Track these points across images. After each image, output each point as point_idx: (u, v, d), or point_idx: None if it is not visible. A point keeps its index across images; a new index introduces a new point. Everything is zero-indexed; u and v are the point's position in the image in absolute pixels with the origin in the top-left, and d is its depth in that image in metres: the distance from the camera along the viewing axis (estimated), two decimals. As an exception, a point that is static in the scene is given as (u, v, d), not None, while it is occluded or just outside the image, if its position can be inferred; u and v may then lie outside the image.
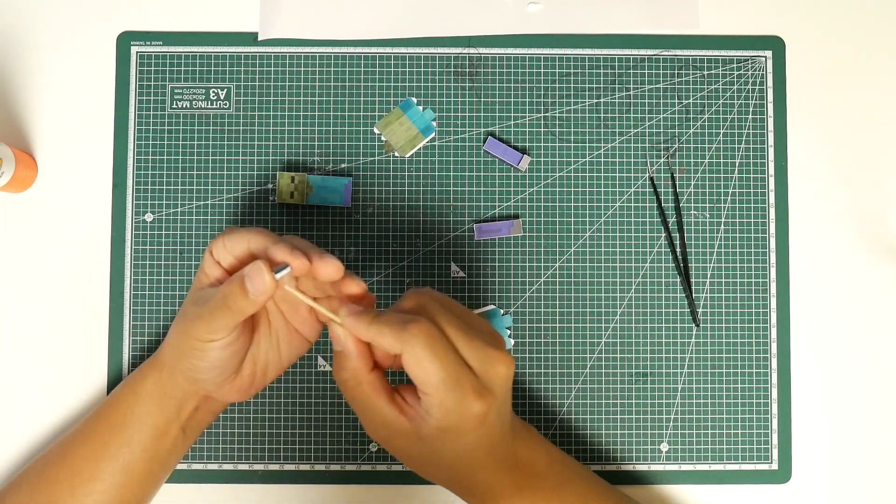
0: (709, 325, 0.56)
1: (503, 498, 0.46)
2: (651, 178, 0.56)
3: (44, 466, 0.50)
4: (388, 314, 0.42)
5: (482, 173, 0.56)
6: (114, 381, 0.55)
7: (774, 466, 0.55)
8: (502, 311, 0.55)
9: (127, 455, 0.48)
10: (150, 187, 0.56)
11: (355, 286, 0.44)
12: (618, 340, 0.56)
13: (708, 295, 0.56)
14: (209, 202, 0.56)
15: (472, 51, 0.57)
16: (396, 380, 0.54)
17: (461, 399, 0.41)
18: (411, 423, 0.43)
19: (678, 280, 0.56)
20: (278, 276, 0.42)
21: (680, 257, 0.56)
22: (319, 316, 0.45)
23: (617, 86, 0.57)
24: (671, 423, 0.55)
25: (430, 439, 0.43)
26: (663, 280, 0.56)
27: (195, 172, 0.56)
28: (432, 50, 0.57)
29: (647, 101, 0.57)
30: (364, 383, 0.43)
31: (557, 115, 0.56)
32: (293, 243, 0.44)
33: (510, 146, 0.56)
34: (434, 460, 0.44)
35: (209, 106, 0.56)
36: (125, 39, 0.56)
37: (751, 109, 0.57)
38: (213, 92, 0.56)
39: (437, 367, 0.40)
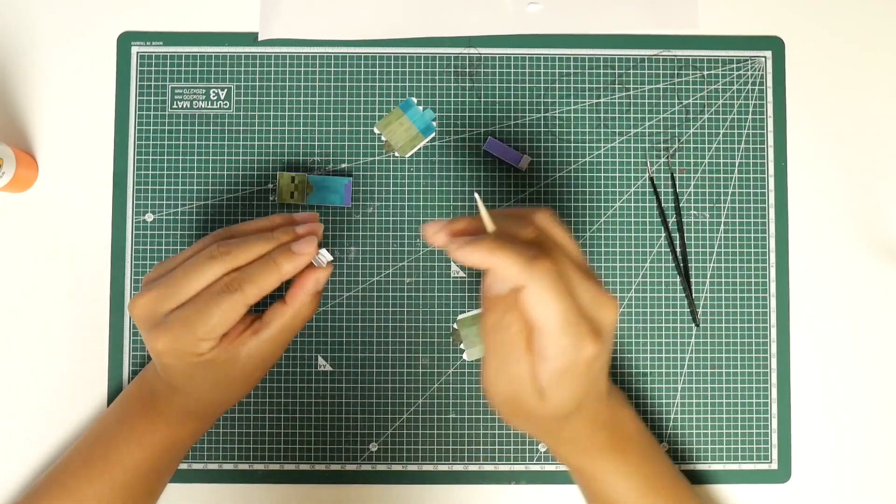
0: (709, 324, 0.56)
1: (595, 452, 0.47)
2: (651, 179, 0.56)
3: (47, 490, 0.50)
4: (513, 243, 0.39)
5: (482, 173, 0.56)
6: (115, 381, 0.55)
7: (774, 466, 0.55)
8: None
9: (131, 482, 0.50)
10: (150, 187, 0.56)
11: (319, 229, 0.46)
12: (618, 340, 0.56)
13: (708, 295, 0.56)
14: (209, 202, 0.56)
15: (472, 51, 0.57)
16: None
17: (577, 341, 0.39)
18: (532, 366, 0.40)
19: (678, 280, 0.56)
20: (318, 264, 0.45)
21: (680, 257, 0.56)
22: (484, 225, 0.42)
23: (617, 86, 0.57)
24: (671, 423, 0.55)
25: (544, 386, 0.41)
26: (663, 280, 0.56)
27: (195, 172, 0.56)
28: (432, 50, 0.57)
29: (647, 101, 0.57)
30: (514, 323, 0.40)
31: (557, 115, 0.56)
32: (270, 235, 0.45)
33: (510, 146, 0.56)
34: (544, 413, 0.42)
35: (209, 106, 0.56)
36: (125, 39, 0.57)
37: (751, 109, 0.57)
38: (213, 92, 0.56)
39: (560, 307, 0.38)
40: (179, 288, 0.44)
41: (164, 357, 0.45)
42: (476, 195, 0.41)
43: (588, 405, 0.44)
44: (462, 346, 0.55)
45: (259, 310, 0.47)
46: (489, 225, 0.40)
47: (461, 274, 0.56)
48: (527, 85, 0.57)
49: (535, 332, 0.40)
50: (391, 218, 0.56)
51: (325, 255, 0.45)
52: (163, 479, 0.52)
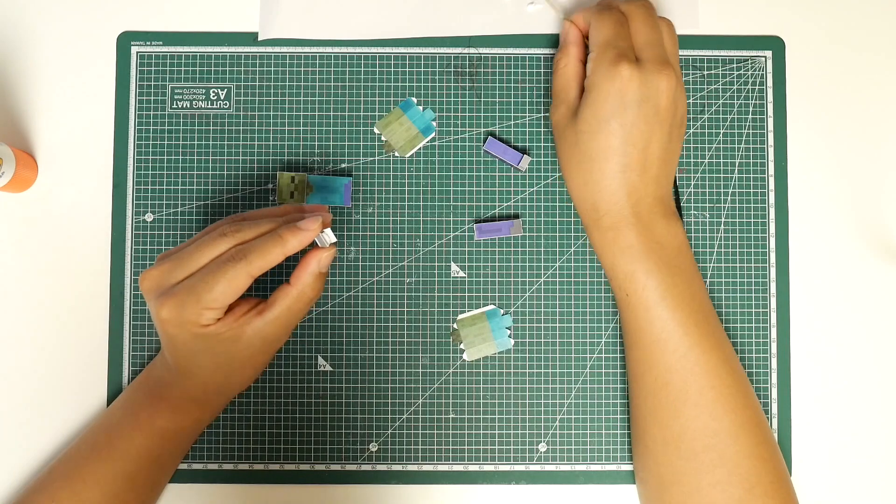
0: (709, 325, 0.56)
1: (619, 236, 0.49)
2: (651, 178, 0.56)
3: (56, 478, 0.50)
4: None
5: (482, 173, 0.56)
6: (115, 381, 0.55)
7: (774, 466, 0.55)
8: (502, 311, 0.55)
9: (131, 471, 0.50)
10: (150, 187, 0.56)
11: (327, 215, 0.48)
12: (618, 340, 0.56)
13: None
14: (209, 202, 0.56)
15: (472, 51, 0.57)
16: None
17: (614, 62, 0.47)
18: (578, 99, 0.50)
19: (678, 280, 0.56)
20: (321, 244, 0.47)
21: (680, 257, 0.56)
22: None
23: (617, 86, 0.57)
24: (671, 423, 0.55)
25: (580, 107, 0.49)
26: (663, 280, 0.56)
27: (195, 172, 0.56)
28: (432, 50, 0.57)
29: (647, 101, 0.57)
30: (571, 65, 0.51)
31: (557, 115, 0.56)
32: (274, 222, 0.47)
33: (510, 146, 0.56)
34: (576, 146, 0.49)
35: (209, 106, 0.56)
36: (125, 39, 0.56)
37: (751, 109, 0.57)
38: (213, 92, 0.56)
39: (612, 32, 0.49)
40: (189, 260, 0.45)
41: (168, 326, 0.45)
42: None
43: (621, 166, 0.48)
44: (462, 346, 0.55)
45: (266, 296, 0.48)
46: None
47: (461, 274, 0.56)
48: (527, 85, 0.57)
49: (590, 49, 0.50)
50: (391, 218, 0.56)
51: (329, 236, 0.47)
52: (165, 470, 0.52)
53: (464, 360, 0.55)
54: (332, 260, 0.47)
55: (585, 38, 0.52)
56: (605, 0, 0.52)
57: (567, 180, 0.51)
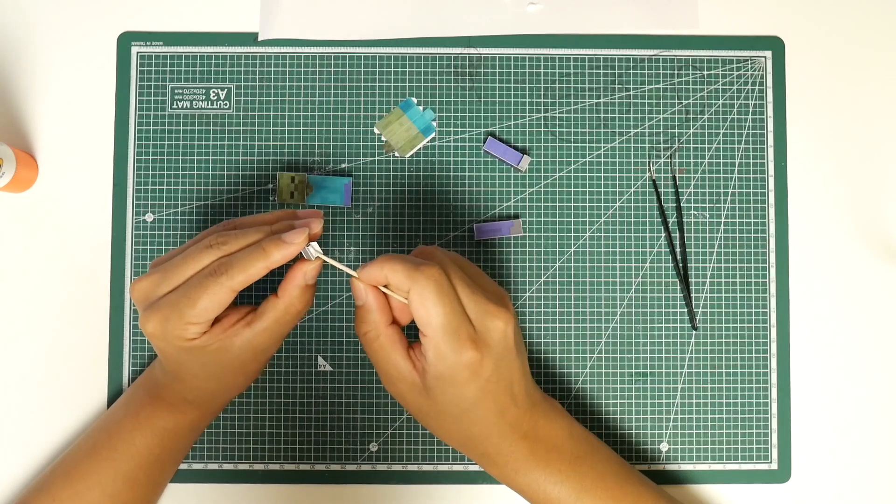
0: (709, 324, 0.56)
1: (519, 465, 0.47)
2: (653, 179, 0.56)
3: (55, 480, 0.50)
4: (402, 255, 0.44)
5: (482, 173, 0.56)
6: (115, 381, 0.55)
7: (774, 466, 0.55)
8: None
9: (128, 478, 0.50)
10: (150, 187, 0.56)
11: (317, 224, 0.46)
12: (618, 340, 0.56)
13: (708, 294, 0.56)
14: (209, 202, 0.56)
15: (472, 51, 0.57)
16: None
17: (455, 345, 0.43)
18: (419, 374, 0.45)
19: (678, 281, 0.56)
20: (307, 255, 0.45)
21: (679, 258, 0.56)
22: (344, 274, 0.47)
23: (617, 86, 0.57)
24: (671, 423, 0.55)
25: (430, 389, 0.44)
26: (663, 280, 0.56)
27: (195, 172, 0.56)
28: (432, 50, 0.57)
29: (647, 101, 0.57)
30: (382, 336, 0.45)
31: (557, 115, 0.56)
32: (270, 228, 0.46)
33: (510, 146, 0.56)
34: (442, 415, 0.46)
35: (209, 106, 0.56)
36: (125, 40, 0.57)
37: (751, 109, 0.57)
38: (214, 92, 0.56)
39: (440, 310, 0.42)
40: (175, 273, 0.44)
41: (154, 340, 0.45)
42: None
43: (500, 416, 0.45)
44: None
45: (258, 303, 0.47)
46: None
47: (461, 274, 0.56)
48: (527, 85, 0.57)
49: (420, 333, 0.43)
50: (391, 218, 0.56)
51: (315, 249, 0.46)
52: (165, 470, 0.52)
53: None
54: (318, 273, 0.46)
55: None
56: (393, 258, 0.44)
57: (440, 437, 0.48)
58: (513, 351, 0.45)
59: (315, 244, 0.46)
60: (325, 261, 0.45)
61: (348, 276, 0.46)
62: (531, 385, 0.48)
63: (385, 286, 0.45)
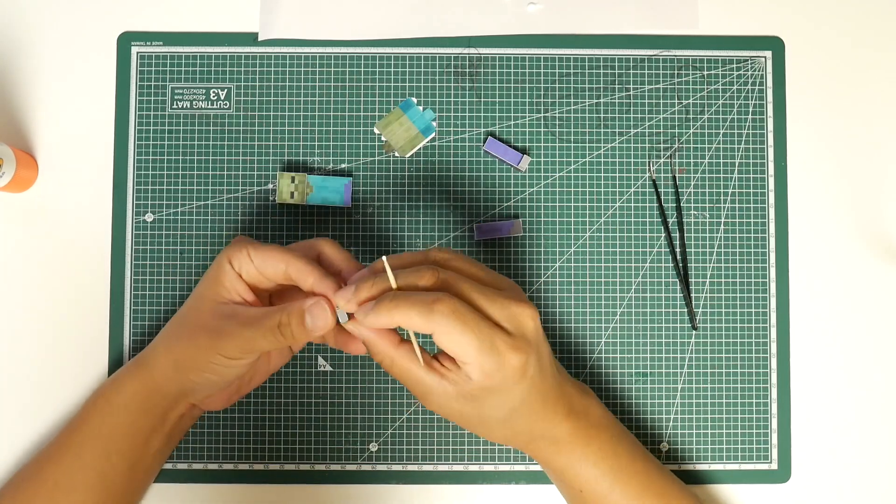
0: (709, 324, 0.56)
1: (563, 444, 0.47)
2: (653, 179, 0.56)
3: (21, 481, 0.50)
4: (408, 295, 0.42)
5: (482, 173, 0.56)
6: (114, 380, 0.55)
7: (774, 466, 0.55)
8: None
9: (105, 465, 0.49)
10: (150, 187, 0.56)
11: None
12: (618, 340, 0.56)
13: (708, 294, 0.56)
14: (209, 202, 0.56)
15: (472, 51, 0.57)
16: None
17: (498, 360, 0.42)
18: (455, 385, 0.44)
19: (678, 281, 0.56)
20: (341, 320, 0.44)
21: (679, 258, 0.56)
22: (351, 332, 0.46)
23: (617, 86, 0.57)
24: (671, 423, 0.55)
25: (478, 399, 0.44)
26: (663, 280, 0.56)
27: (195, 172, 0.56)
28: (432, 50, 0.57)
29: (647, 101, 0.57)
30: (396, 359, 0.44)
31: (557, 115, 0.56)
32: (332, 266, 0.46)
33: (510, 146, 0.56)
34: (488, 419, 0.45)
35: (209, 106, 0.56)
36: (125, 40, 0.57)
37: (751, 109, 0.57)
38: (214, 92, 0.56)
39: (470, 337, 0.41)
40: (292, 263, 0.46)
41: (219, 256, 0.47)
42: (384, 259, 0.43)
43: (543, 403, 0.45)
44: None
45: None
46: (393, 283, 0.42)
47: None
48: (527, 85, 0.57)
49: (458, 361, 0.43)
50: (391, 218, 0.56)
51: (343, 318, 0.45)
52: (148, 447, 0.50)
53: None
54: (323, 330, 0.44)
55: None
56: (397, 302, 0.42)
57: (484, 437, 0.48)
58: (544, 339, 0.45)
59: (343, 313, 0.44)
60: (340, 324, 0.44)
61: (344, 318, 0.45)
62: (558, 364, 0.48)
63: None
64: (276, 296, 0.50)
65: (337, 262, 0.47)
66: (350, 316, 0.44)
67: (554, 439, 0.47)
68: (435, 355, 0.45)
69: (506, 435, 0.47)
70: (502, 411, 0.44)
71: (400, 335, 0.45)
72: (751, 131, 0.57)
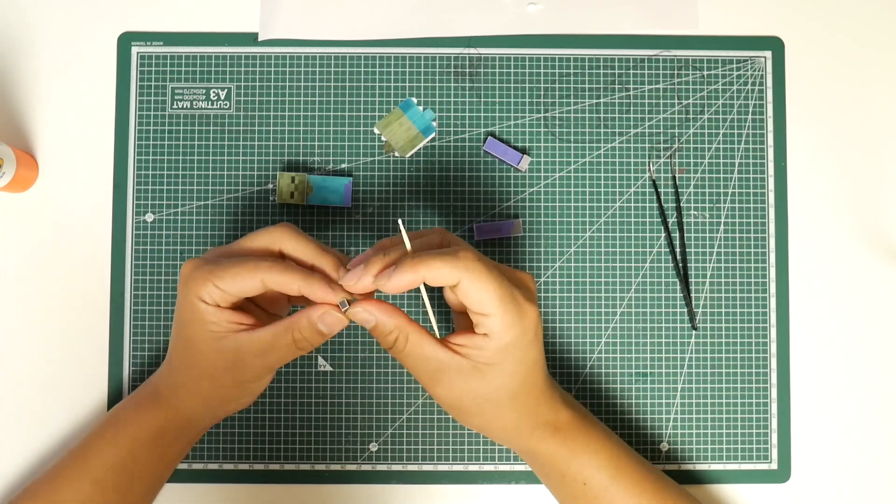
0: (709, 324, 0.56)
1: (566, 431, 0.48)
2: (653, 179, 0.56)
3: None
4: (431, 251, 0.42)
5: (482, 173, 0.56)
6: (115, 381, 0.55)
7: (774, 466, 0.55)
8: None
9: (129, 495, 0.50)
10: (150, 187, 0.56)
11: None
12: (618, 340, 0.56)
13: (708, 294, 0.56)
14: (209, 202, 0.56)
15: (472, 51, 0.57)
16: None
17: (518, 310, 0.43)
18: (468, 359, 0.43)
19: (678, 281, 0.56)
20: (346, 311, 0.43)
21: (679, 258, 0.56)
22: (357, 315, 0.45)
23: (617, 86, 0.57)
24: (671, 423, 0.55)
25: (493, 368, 0.43)
26: (663, 280, 0.56)
27: (195, 172, 0.56)
28: (432, 50, 0.57)
29: (647, 101, 0.57)
30: (411, 334, 0.44)
31: (557, 115, 0.57)
32: (313, 262, 0.44)
33: (510, 146, 0.56)
34: (497, 398, 0.45)
35: (209, 106, 0.56)
36: (126, 40, 0.57)
37: (750, 109, 0.57)
38: (214, 92, 0.56)
39: (494, 283, 0.42)
40: (238, 247, 0.45)
41: (180, 285, 0.45)
42: (399, 222, 0.43)
43: (543, 378, 0.47)
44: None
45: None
46: (408, 244, 0.43)
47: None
48: (527, 85, 0.57)
49: (477, 316, 0.43)
50: (391, 218, 0.56)
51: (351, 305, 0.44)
52: (134, 481, 0.50)
53: None
54: (337, 329, 0.44)
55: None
56: (422, 260, 0.42)
57: (485, 430, 0.47)
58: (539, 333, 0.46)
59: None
60: (350, 320, 0.44)
61: (376, 293, 0.44)
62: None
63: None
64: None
65: (303, 256, 0.44)
66: (349, 303, 0.43)
67: (556, 426, 0.47)
68: (445, 338, 0.44)
69: (512, 420, 0.46)
70: (514, 381, 0.44)
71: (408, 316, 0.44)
72: (751, 131, 0.57)
